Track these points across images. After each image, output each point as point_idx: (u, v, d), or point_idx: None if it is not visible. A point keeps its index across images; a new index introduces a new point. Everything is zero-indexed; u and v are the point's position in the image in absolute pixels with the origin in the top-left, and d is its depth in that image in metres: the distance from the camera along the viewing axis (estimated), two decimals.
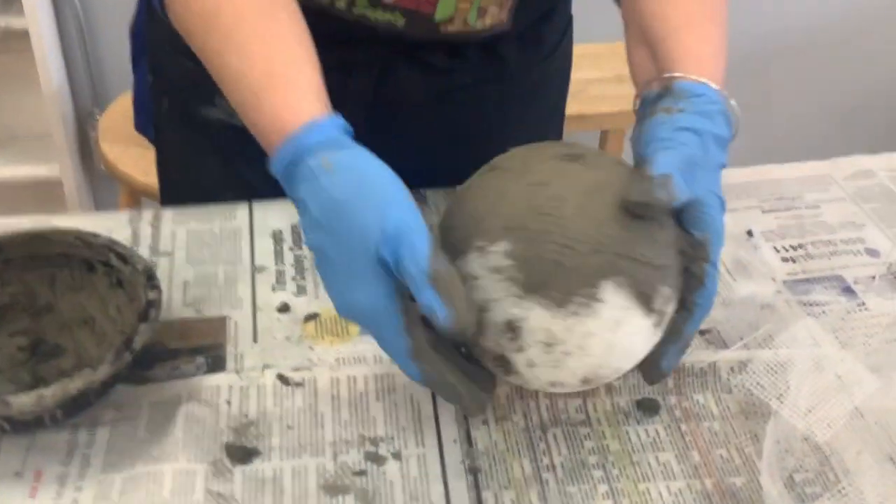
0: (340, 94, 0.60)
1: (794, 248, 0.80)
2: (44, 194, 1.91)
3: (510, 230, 0.54)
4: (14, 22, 1.64)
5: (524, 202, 0.54)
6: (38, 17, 1.63)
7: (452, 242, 0.56)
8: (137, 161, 1.45)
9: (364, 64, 0.75)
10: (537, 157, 0.58)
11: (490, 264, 0.54)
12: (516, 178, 0.56)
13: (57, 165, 1.80)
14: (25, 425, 0.58)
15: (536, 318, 0.53)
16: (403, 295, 0.53)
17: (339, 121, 0.57)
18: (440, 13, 0.72)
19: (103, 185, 1.91)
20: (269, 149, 0.57)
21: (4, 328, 0.66)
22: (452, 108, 0.80)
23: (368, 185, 0.53)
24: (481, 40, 0.76)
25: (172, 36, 0.70)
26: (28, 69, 1.70)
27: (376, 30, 0.73)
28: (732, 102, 0.58)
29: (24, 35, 1.64)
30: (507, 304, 0.53)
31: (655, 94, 0.59)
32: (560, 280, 0.52)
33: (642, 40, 0.64)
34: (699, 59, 0.58)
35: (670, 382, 0.66)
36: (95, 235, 0.67)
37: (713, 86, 0.57)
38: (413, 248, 0.51)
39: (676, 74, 0.58)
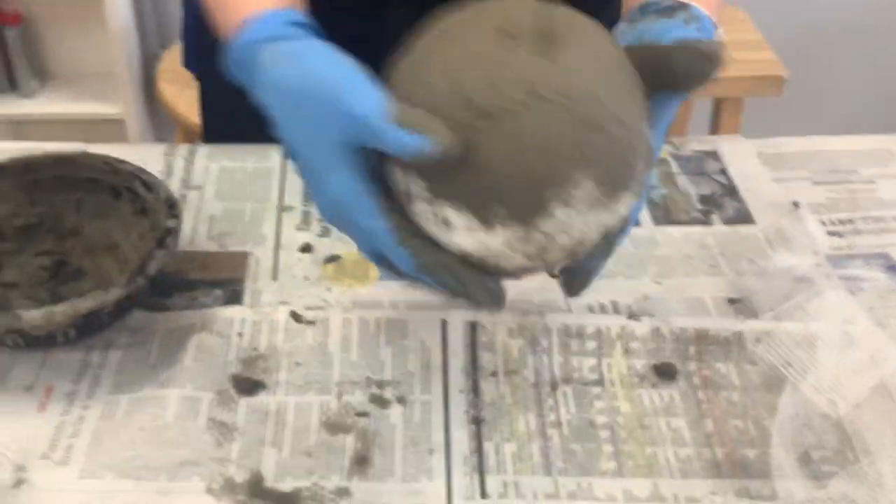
0: (376, 37, 0.58)
1: (843, 223, 0.76)
2: (108, 132, 1.94)
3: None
4: None
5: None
6: None
7: None
8: (194, 102, 1.46)
9: (356, 7, 0.73)
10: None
11: None
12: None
13: (121, 104, 1.83)
14: (38, 341, 0.59)
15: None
16: (375, 181, 0.50)
17: (293, 14, 0.54)
18: None
19: (166, 125, 1.94)
20: (228, 35, 0.55)
21: (30, 247, 0.67)
22: None
23: (317, 73, 0.50)
24: None
25: None
26: (95, 7, 1.72)
27: None
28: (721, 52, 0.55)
29: None
30: None
31: (668, 3, 0.55)
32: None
33: None
34: (709, 4, 0.56)
35: (692, 349, 0.63)
36: (123, 162, 0.67)
37: (721, 32, 0.56)
38: (366, 103, 0.48)
39: (692, 3, 0.55)
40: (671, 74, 0.50)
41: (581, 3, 0.57)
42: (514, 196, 0.46)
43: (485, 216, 0.47)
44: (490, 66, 0.47)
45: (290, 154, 0.53)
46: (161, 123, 1.96)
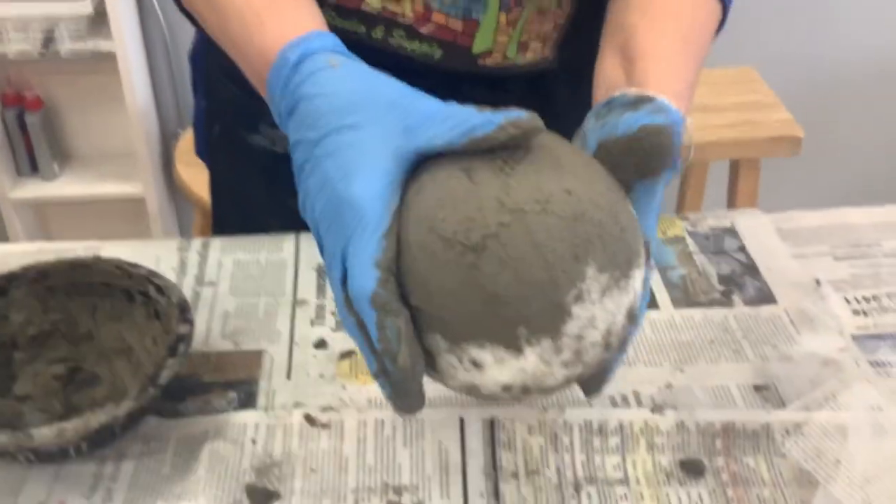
0: None
1: (867, 300, 0.74)
2: (129, 212, 1.97)
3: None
4: (103, 44, 1.70)
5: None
6: (125, 40, 1.69)
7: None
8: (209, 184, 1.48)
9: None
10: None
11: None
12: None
13: (140, 184, 1.85)
14: (50, 456, 0.58)
15: None
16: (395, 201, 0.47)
17: (340, 43, 0.54)
18: (478, 46, 0.70)
19: (186, 204, 1.96)
20: (263, 69, 0.53)
21: (44, 355, 0.67)
22: None
23: (382, 82, 0.49)
24: (526, 74, 0.74)
25: (221, 60, 0.70)
26: (115, 90, 1.76)
27: (413, 61, 0.71)
28: (688, 138, 0.56)
29: (112, 57, 1.70)
30: None
31: (634, 97, 0.55)
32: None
33: (619, 49, 0.61)
34: (676, 93, 0.56)
35: (718, 442, 0.61)
36: (136, 266, 0.67)
37: (688, 123, 0.56)
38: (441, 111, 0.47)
39: (659, 96, 0.55)
40: (641, 159, 0.50)
41: (575, 118, 0.58)
42: (529, 312, 0.45)
43: (509, 342, 0.46)
44: (457, 202, 0.46)
45: (305, 158, 0.49)
46: (181, 200, 1.98)
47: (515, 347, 0.46)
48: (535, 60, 0.73)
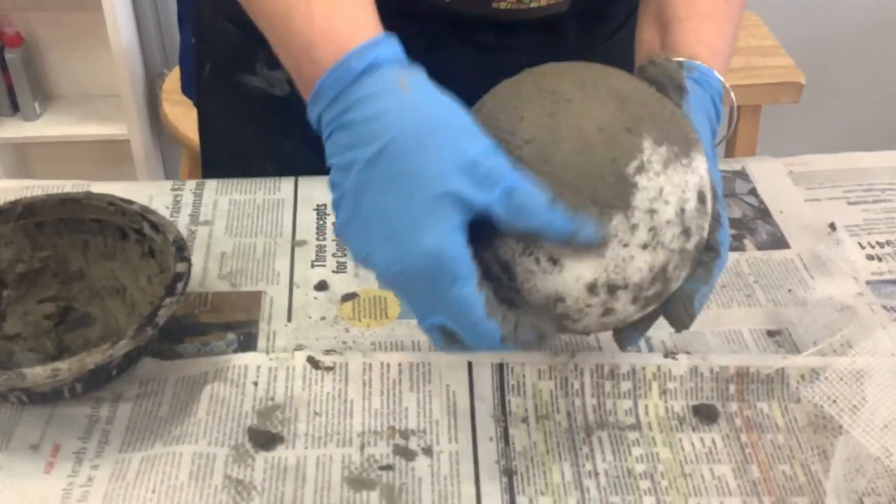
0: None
1: (882, 245, 0.73)
2: (113, 153, 1.92)
3: None
4: None
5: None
6: None
7: None
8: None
9: (411, 38, 0.71)
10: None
11: None
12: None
13: (125, 125, 1.80)
14: (43, 397, 0.56)
15: None
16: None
17: (399, 45, 0.49)
18: None
19: (172, 145, 1.91)
20: (309, 62, 0.48)
21: (33, 294, 0.64)
22: None
23: (448, 113, 0.45)
24: (538, 18, 0.71)
25: None
26: (99, 28, 1.70)
27: (425, 3, 0.68)
28: (732, 95, 0.58)
29: None
30: None
31: (671, 64, 0.54)
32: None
33: (656, 19, 0.62)
34: (714, 51, 0.57)
35: (732, 388, 0.60)
36: (129, 202, 0.64)
37: (722, 79, 0.57)
38: (520, 180, 0.44)
39: (688, 59, 0.56)
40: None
41: (562, 55, 0.57)
42: (596, 189, 0.45)
43: None
44: (516, 103, 0.48)
45: (359, 204, 0.45)
46: (167, 143, 1.94)
47: None
48: (549, 4, 0.70)
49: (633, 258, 0.46)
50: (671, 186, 0.47)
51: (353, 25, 0.49)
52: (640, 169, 0.46)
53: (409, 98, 0.45)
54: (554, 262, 0.46)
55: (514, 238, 0.46)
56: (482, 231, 0.46)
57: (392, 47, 0.48)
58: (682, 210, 0.47)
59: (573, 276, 0.46)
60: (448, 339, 0.46)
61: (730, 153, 1.55)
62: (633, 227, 0.46)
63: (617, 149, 0.46)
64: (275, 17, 0.52)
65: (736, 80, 1.48)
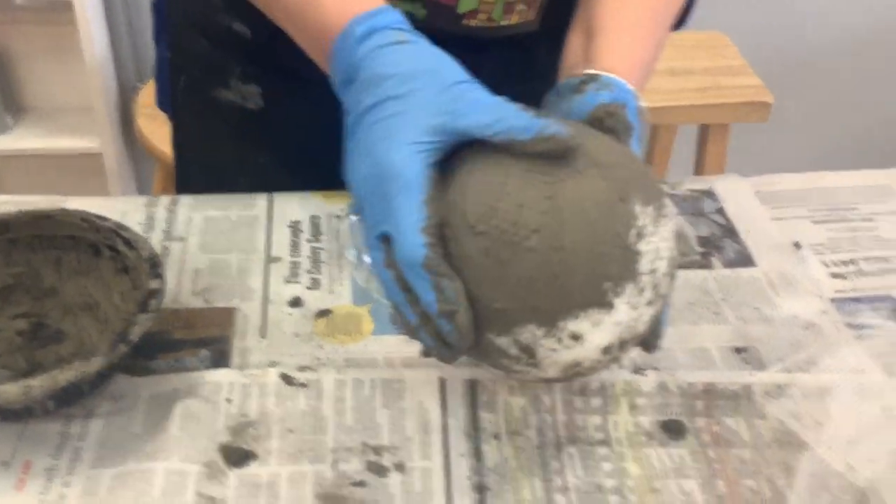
0: None
1: (845, 264, 0.74)
2: (86, 168, 1.91)
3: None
4: None
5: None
6: None
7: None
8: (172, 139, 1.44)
9: None
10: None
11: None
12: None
13: (98, 138, 1.80)
14: (15, 414, 0.55)
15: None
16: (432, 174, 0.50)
17: (405, 19, 0.55)
18: (463, 5, 0.68)
19: (145, 158, 1.91)
20: (325, 43, 0.55)
21: (6, 310, 0.64)
22: None
23: (438, 59, 0.52)
24: (507, 37, 0.72)
25: (189, 12, 0.67)
26: (72, 40, 1.69)
27: None
28: (647, 113, 0.60)
29: (69, 6, 1.64)
30: None
31: (578, 80, 0.58)
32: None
33: (585, 26, 0.64)
34: (631, 66, 0.59)
35: (699, 404, 0.61)
36: (103, 219, 0.64)
37: (636, 94, 0.59)
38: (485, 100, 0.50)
39: (603, 72, 0.58)
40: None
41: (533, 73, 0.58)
42: (607, 266, 0.48)
43: (601, 301, 0.48)
44: (508, 189, 0.49)
45: (363, 119, 0.51)
46: (140, 156, 1.93)
47: (607, 304, 0.48)
48: (519, 23, 0.72)
49: (641, 316, 0.50)
50: (663, 242, 0.50)
51: (359, 4, 0.55)
52: (639, 236, 0.49)
53: (406, 48, 0.52)
54: (576, 338, 0.49)
55: (535, 323, 0.49)
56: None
57: (392, 15, 0.54)
58: (672, 258, 0.51)
59: (592, 346, 0.49)
60: (387, 261, 0.50)
61: (699, 171, 1.57)
62: (641, 290, 0.49)
63: (617, 222, 0.48)
64: (292, 11, 0.59)
65: (705, 100, 1.50)
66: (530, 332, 0.49)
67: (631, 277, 0.49)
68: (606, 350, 0.50)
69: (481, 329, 0.50)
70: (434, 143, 0.49)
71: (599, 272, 0.48)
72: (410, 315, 0.50)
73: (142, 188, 1.98)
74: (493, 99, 0.50)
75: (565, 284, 0.48)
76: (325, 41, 0.55)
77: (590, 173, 0.49)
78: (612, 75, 0.57)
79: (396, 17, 0.54)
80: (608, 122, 0.54)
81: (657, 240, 0.50)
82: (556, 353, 0.49)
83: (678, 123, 1.60)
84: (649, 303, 0.50)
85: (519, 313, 0.48)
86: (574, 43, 0.64)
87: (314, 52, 0.58)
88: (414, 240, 0.48)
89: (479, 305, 0.49)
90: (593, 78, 0.57)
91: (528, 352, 0.50)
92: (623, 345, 0.51)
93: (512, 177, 0.49)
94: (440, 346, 0.51)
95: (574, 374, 0.52)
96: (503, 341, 0.50)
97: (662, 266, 0.50)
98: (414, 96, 0.50)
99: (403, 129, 0.49)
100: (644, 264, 0.49)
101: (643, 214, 0.49)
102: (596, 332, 0.49)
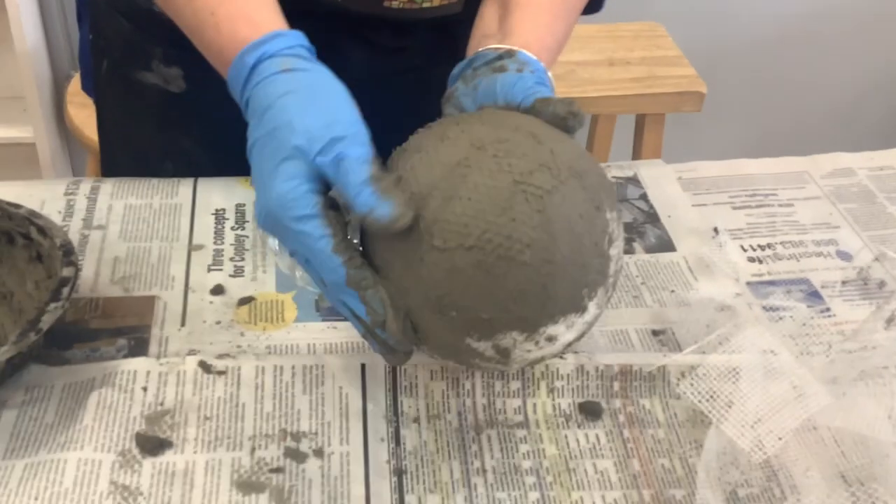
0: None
1: (763, 248, 0.76)
2: (19, 158, 1.87)
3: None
4: None
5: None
6: None
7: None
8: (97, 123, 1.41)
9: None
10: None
11: None
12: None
13: (31, 128, 1.76)
14: None
15: None
16: (324, 195, 0.52)
17: (303, 38, 0.56)
18: None
19: (80, 149, 1.87)
20: (224, 65, 0.56)
21: None
22: (401, 90, 0.76)
23: (322, 89, 0.53)
24: (431, 20, 0.72)
25: None
26: (2, 30, 1.65)
27: (318, 2, 0.69)
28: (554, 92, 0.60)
29: None
30: None
31: (494, 55, 0.59)
32: None
33: (499, 1, 0.64)
34: (542, 46, 0.61)
35: (616, 385, 0.62)
36: (16, 206, 0.63)
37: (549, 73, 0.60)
38: (356, 155, 0.50)
39: (521, 50, 0.59)
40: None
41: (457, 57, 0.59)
42: (588, 273, 0.50)
43: (577, 306, 0.51)
44: (499, 201, 0.50)
45: (252, 156, 0.53)
46: (74, 146, 1.89)
47: (582, 307, 0.51)
48: (441, 5, 0.72)
49: (602, 311, 0.53)
50: (622, 242, 0.53)
51: (250, 29, 0.55)
52: (610, 241, 0.52)
53: (289, 78, 0.53)
54: (550, 339, 0.52)
55: (518, 330, 0.51)
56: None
57: (283, 40, 0.54)
58: (622, 253, 0.54)
59: (561, 344, 0.52)
60: (319, 282, 0.52)
61: (636, 159, 1.59)
62: (607, 291, 0.53)
63: (596, 231, 0.51)
64: (191, 29, 0.60)
65: (640, 90, 1.52)
66: (511, 338, 0.51)
67: (603, 281, 0.52)
68: (569, 344, 0.53)
69: (460, 334, 0.51)
70: (307, 171, 0.50)
71: (581, 281, 0.50)
72: (356, 326, 0.53)
73: (78, 177, 1.94)
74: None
75: (551, 294, 0.50)
76: (221, 65, 0.57)
77: (571, 184, 0.50)
78: (527, 53, 0.58)
79: (287, 41, 0.55)
80: (570, 122, 0.54)
81: (620, 242, 0.53)
82: (530, 353, 0.52)
83: (616, 113, 1.62)
84: (609, 299, 0.54)
85: (505, 322, 0.50)
86: (487, 14, 0.65)
87: (219, 70, 0.59)
88: (330, 263, 0.50)
89: (465, 314, 0.50)
90: (510, 54, 0.58)
91: (505, 353, 0.52)
92: (581, 337, 0.54)
93: (501, 187, 0.49)
94: (385, 351, 0.53)
95: (535, 364, 0.56)
96: (482, 345, 0.52)
97: (622, 263, 0.54)
98: (292, 135, 0.50)
99: (283, 163, 0.50)
100: (612, 267, 0.52)
101: (612, 220, 0.52)
102: (568, 332, 0.52)
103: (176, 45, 0.77)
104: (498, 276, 0.49)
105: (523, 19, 0.61)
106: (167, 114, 0.78)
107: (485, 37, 0.62)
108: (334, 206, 0.52)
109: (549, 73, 0.59)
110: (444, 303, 0.50)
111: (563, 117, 0.54)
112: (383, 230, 0.50)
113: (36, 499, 0.52)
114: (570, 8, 0.65)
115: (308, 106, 0.51)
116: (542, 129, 0.53)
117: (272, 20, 0.56)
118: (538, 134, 0.52)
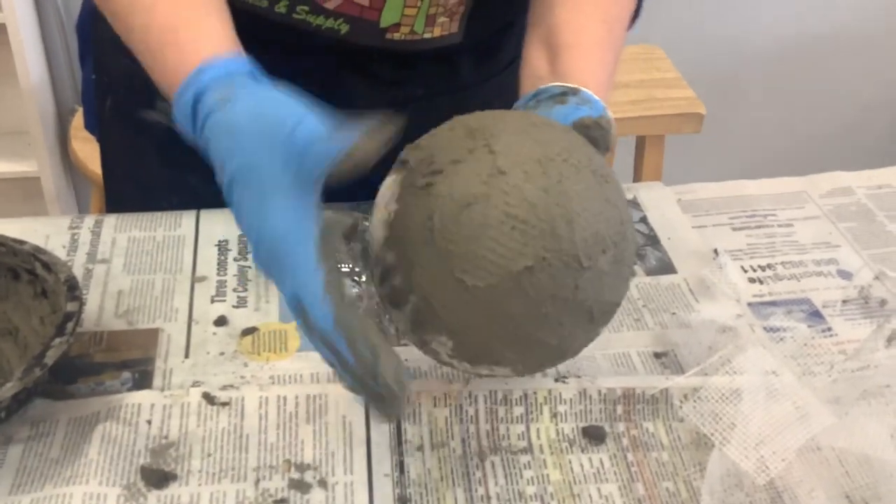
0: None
1: (763, 269, 0.76)
2: (23, 192, 1.88)
3: None
4: None
5: None
6: (16, 11, 1.60)
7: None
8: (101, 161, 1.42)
9: (307, 73, 0.73)
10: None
11: None
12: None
13: (35, 162, 1.77)
14: None
15: None
16: (318, 223, 0.50)
17: (240, 60, 0.54)
18: (385, 19, 0.69)
19: (84, 183, 1.88)
20: (169, 97, 0.55)
21: None
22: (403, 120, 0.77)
23: (264, 105, 0.51)
24: (432, 51, 0.73)
25: (112, 31, 0.67)
26: (7, 64, 1.67)
27: (319, 36, 0.70)
28: (614, 127, 0.61)
29: (2, 29, 1.62)
30: None
31: (559, 90, 0.59)
32: None
33: (545, 43, 0.64)
34: (599, 82, 0.61)
35: (619, 409, 0.62)
36: (21, 242, 0.64)
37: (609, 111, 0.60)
38: (315, 128, 0.49)
39: (582, 88, 0.59)
40: None
41: (480, 94, 0.59)
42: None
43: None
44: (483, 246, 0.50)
45: (232, 199, 0.51)
46: (79, 180, 1.91)
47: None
48: (441, 35, 0.73)
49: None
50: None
51: (192, 60, 0.53)
52: (602, 260, 0.52)
53: (228, 110, 0.51)
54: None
55: (521, 367, 0.56)
56: None
57: (217, 68, 0.53)
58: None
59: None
60: (304, 322, 0.51)
61: (637, 181, 1.60)
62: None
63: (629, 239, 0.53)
64: (140, 53, 0.59)
65: (640, 112, 1.53)
66: (513, 369, 0.54)
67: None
68: None
69: (461, 359, 0.53)
70: (301, 194, 0.49)
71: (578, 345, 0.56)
72: (343, 374, 0.52)
73: (82, 211, 1.95)
74: (321, 126, 0.50)
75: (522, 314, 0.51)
76: (169, 100, 0.56)
77: (601, 193, 0.52)
78: (589, 92, 0.59)
79: (222, 67, 0.53)
80: (602, 140, 0.56)
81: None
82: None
83: (616, 135, 1.62)
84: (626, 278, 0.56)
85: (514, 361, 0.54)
86: (534, 57, 0.65)
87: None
88: (320, 305, 0.49)
89: (483, 357, 0.52)
90: (574, 91, 0.58)
91: (500, 372, 0.55)
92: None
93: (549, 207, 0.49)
94: (376, 403, 0.52)
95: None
96: (481, 369, 0.54)
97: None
98: (252, 160, 0.49)
99: (261, 196, 0.49)
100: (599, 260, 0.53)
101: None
102: None
103: None
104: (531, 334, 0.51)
105: (576, 58, 0.61)
106: (171, 150, 0.78)
107: (538, 79, 0.62)
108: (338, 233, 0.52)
109: (610, 113, 0.59)
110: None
111: (593, 135, 0.55)
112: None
113: None
114: (616, 36, 0.64)
115: (255, 129, 0.50)
116: (573, 138, 0.53)
117: (216, 45, 0.55)
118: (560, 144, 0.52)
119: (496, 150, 0.50)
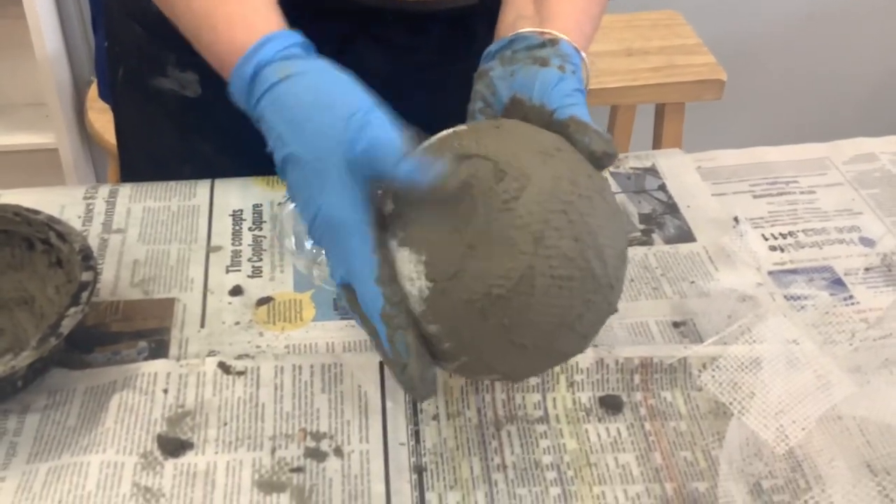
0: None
1: (784, 237, 0.75)
2: (42, 163, 1.89)
3: None
4: None
5: None
6: None
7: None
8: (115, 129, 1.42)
9: (321, 39, 0.72)
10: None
11: None
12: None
13: (53, 134, 1.77)
14: None
15: None
16: (372, 210, 0.50)
17: (297, 36, 0.54)
18: None
19: (102, 154, 1.89)
20: (224, 70, 0.55)
21: None
22: (418, 87, 0.76)
23: (328, 88, 0.51)
24: (447, 14, 0.72)
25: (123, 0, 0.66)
26: (23, 35, 1.67)
27: (335, 0, 0.69)
28: (588, 73, 0.60)
29: (17, 1, 1.61)
30: None
31: (538, 41, 0.58)
32: None
33: None
34: (581, 32, 0.60)
35: (637, 378, 0.62)
36: (36, 212, 0.64)
37: (587, 60, 0.60)
38: (384, 139, 0.49)
39: (563, 36, 0.58)
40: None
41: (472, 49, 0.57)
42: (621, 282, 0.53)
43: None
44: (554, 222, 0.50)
45: (288, 177, 0.51)
46: (97, 150, 1.91)
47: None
48: None
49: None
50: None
51: (246, 32, 0.53)
52: (601, 255, 0.52)
53: (291, 86, 0.51)
54: None
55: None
56: None
57: (278, 41, 0.53)
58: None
59: None
60: (348, 300, 0.51)
61: (657, 149, 1.58)
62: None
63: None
64: (190, 32, 0.59)
65: (660, 79, 1.51)
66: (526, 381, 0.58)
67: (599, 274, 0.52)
68: None
69: (470, 373, 0.55)
70: (354, 183, 0.49)
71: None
72: (380, 349, 0.51)
73: (100, 182, 1.96)
74: (390, 135, 0.50)
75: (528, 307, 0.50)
76: (222, 70, 0.55)
77: (610, 215, 0.52)
78: (569, 42, 0.58)
79: (282, 41, 0.53)
80: (604, 161, 0.54)
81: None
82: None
83: (636, 103, 1.60)
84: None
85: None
86: None
87: (221, 74, 0.57)
88: (370, 290, 0.49)
89: (493, 370, 0.52)
90: (553, 43, 0.57)
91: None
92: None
93: (551, 222, 0.49)
94: (406, 385, 0.51)
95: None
96: (494, 376, 0.55)
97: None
98: (314, 145, 0.49)
99: (320, 180, 0.49)
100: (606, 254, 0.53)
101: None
102: None
103: (190, 50, 0.77)
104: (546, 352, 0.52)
105: (562, 7, 0.60)
106: (184, 119, 0.78)
107: (520, 17, 0.61)
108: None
109: (586, 58, 0.58)
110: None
111: (598, 156, 0.53)
112: (429, 194, 0.49)
113: (59, 502, 0.53)
114: None
115: (319, 112, 0.50)
116: (568, 156, 0.52)
117: (268, 20, 0.55)
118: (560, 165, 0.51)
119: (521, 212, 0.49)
